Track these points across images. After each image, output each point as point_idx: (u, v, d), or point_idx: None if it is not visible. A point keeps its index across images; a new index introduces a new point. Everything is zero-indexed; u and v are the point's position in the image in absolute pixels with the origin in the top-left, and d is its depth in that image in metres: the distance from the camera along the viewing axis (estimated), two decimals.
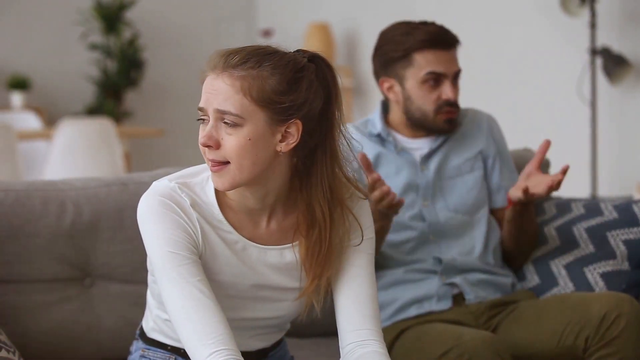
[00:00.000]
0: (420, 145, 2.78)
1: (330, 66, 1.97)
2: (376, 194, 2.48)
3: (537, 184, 2.62)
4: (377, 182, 2.47)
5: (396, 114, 2.79)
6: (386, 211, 2.53)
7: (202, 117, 1.92)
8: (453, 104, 2.71)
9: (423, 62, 2.69)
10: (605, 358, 2.39)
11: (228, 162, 1.90)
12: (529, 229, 2.77)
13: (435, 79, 2.69)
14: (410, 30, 2.70)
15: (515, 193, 2.64)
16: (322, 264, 1.99)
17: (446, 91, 2.70)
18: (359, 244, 2.03)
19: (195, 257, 1.93)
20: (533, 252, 2.81)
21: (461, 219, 2.73)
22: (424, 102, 2.72)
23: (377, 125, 2.78)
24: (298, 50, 1.96)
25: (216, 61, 1.91)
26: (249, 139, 1.89)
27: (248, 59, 1.90)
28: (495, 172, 2.82)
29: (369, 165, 2.51)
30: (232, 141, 1.90)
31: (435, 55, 2.68)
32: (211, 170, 1.93)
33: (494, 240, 2.78)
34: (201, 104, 1.92)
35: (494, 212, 2.83)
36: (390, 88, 2.75)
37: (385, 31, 2.75)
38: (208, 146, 1.91)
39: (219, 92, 1.89)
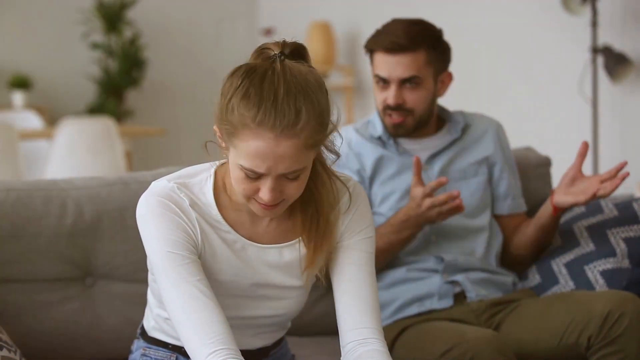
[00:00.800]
0: (421, 146, 2.78)
1: (307, 52, 1.94)
2: (442, 197, 2.53)
3: (590, 187, 2.58)
4: (440, 186, 2.54)
5: None
6: (436, 218, 2.57)
7: (253, 177, 1.87)
8: (395, 108, 2.69)
9: (376, 64, 2.72)
10: (608, 356, 2.39)
11: (283, 199, 1.91)
12: (554, 233, 2.78)
13: (382, 82, 2.70)
14: (382, 30, 2.72)
15: (567, 199, 2.61)
16: (322, 235, 1.99)
17: (388, 95, 2.69)
18: (346, 211, 2.02)
19: (195, 257, 1.93)
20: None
21: (463, 222, 2.73)
22: (377, 101, 2.75)
23: (378, 128, 2.77)
24: (281, 53, 1.87)
25: (273, 123, 1.81)
26: (306, 176, 1.90)
27: (298, 108, 1.82)
28: (503, 180, 2.81)
29: (420, 170, 2.57)
30: (294, 187, 1.89)
31: (383, 59, 2.68)
32: (262, 209, 1.91)
33: (496, 247, 2.78)
34: (261, 170, 1.84)
35: (499, 219, 2.83)
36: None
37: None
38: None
39: (285, 157, 1.84)
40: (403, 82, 2.67)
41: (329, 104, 1.89)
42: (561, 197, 2.63)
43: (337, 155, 2.01)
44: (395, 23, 2.71)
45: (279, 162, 1.84)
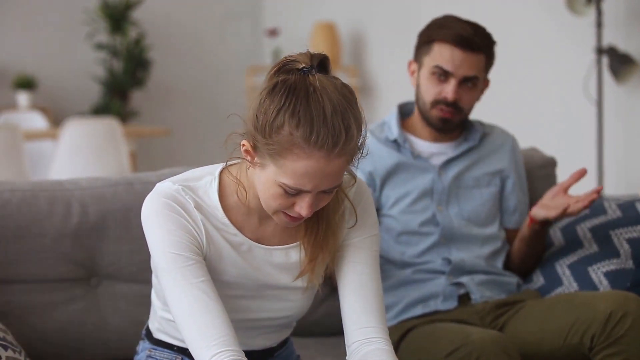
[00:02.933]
0: (439, 150, 2.78)
1: (330, 63, 1.94)
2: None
3: (563, 203, 2.61)
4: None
5: (416, 111, 2.78)
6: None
7: (294, 193, 1.87)
8: (450, 104, 2.69)
9: (437, 54, 2.68)
10: (611, 357, 2.38)
11: None
12: (539, 248, 2.79)
13: (442, 74, 2.68)
14: (447, 23, 2.70)
15: (541, 212, 2.64)
16: (320, 244, 2.00)
17: (447, 89, 2.68)
18: (353, 226, 2.03)
19: (199, 258, 1.93)
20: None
21: (473, 229, 2.74)
22: (426, 92, 2.71)
23: (394, 130, 2.77)
24: (311, 66, 1.85)
25: (327, 142, 1.80)
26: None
27: (347, 126, 1.82)
28: (514, 194, 2.82)
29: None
30: (327, 199, 1.90)
31: (450, 52, 2.66)
32: (290, 221, 1.92)
33: (504, 254, 2.80)
34: (307, 188, 1.84)
35: (505, 232, 2.84)
36: (413, 72, 2.77)
37: (435, 18, 2.75)
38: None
39: (333, 174, 1.84)
40: (463, 80, 2.68)
41: (362, 114, 1.88)
42: (537, 209, 2.66)
43: (354, 178, 2.03)
44: (456, 20, 2.71)
45: (325, 180, 1.84)
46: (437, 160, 2.76)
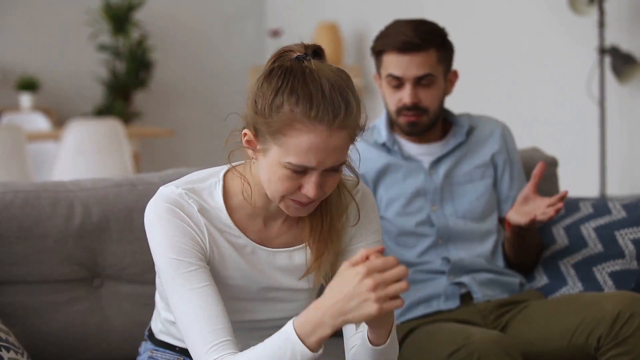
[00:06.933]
0: (428, 151, 2.78)
1: (325, 54, 1.96)
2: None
3: (536, 209, 2.61)
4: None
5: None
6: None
7: (300, 171, 1.87)
8: (411, 108, 2.70)
9: (387, 64, 2.71)
10: (618, 357, 2.38)
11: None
12: (530, 246, 2.78)
13: (396, 82, 2.70)
14: (389, 32, 2.72)
15: (514, 217, 2.64)
16: (325, 241, 2.00)
17: (403, 94, 2.70)
18: (355, 224, 2.03)
19: (202, 264, 1.92)
20: (538, 262, 2.82)
21: (470, 225, 2.73)
22: (389, 102, 2.75)
23: (383, 134, 2.79)
24: (305, 54, 1.89)
25: (327, 116, 1.81)
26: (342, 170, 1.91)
27: (346, 100, 1.84)
28: (504, 181, 2.81)
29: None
30: (333, 181, 1.90)
31: (396, 58, 2.69)
32: (298, 208, 1.92)
33: (502, 252, 2.79)
34: (312, 164, 1.84)
35: (501, 221, 2.83)
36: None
37: (383, 29, 2.77)
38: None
39: (336, 149, 1.85)
40: (417, 81, 2.68)
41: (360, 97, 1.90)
42: (511, 214, 2.66)
43: (356, 176, 2.03)
44: (401, 24, 2.72)
45: (329, 155, 1.84)
46: (427, 161, 2.77)
